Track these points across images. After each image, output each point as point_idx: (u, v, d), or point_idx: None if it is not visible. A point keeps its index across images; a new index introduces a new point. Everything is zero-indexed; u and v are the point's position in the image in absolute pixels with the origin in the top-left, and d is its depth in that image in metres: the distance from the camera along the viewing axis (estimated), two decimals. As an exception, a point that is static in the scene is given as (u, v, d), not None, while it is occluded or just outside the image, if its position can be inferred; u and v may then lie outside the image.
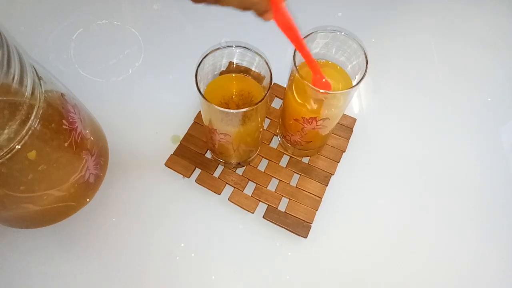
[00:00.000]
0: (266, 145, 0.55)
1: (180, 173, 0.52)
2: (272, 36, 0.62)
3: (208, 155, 0.54)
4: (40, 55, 0.59)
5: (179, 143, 0.54)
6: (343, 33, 0.40)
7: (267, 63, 0.38)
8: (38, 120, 0.35)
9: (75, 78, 0.58)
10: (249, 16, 0.65)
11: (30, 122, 0.34)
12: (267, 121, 0.56)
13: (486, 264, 0.49)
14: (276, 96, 0.58)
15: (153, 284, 0.47)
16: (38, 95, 0.35)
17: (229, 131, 0.42)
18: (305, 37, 0.40)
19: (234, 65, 0.42)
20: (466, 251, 0.50)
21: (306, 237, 0.49)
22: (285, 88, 0.47)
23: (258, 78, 0.43)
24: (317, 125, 0.44)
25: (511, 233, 0.51)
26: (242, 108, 0.38)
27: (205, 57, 0.38)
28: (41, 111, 0.35)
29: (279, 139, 0.55)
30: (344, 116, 0.56)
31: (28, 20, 0.63)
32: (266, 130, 0.55)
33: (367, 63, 0.38)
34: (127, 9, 0.66)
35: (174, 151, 0.53)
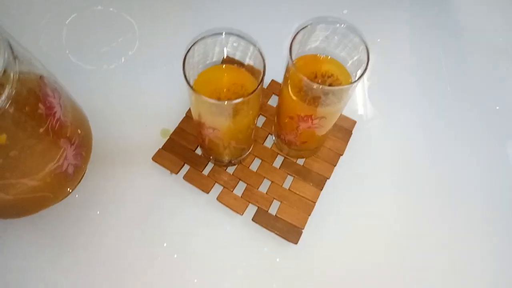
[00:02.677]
0: (260, 144, 0.52)
1: (167, 169, 0.50)
2: (271, 30, 0.60)
3: (199, 151, 0.51)
4: (30, 39, 0.57)
5: (168, 137, 0.51)
6: (344, 26, 0.37)
7: (260, 53, 0.36)
8: (9, 102, 0.32)
9: (65, 64, 0.56)
10: (249, 9, 0.63)
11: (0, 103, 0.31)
12: (262, 119, 0.53)
13: (487, 281, 0.46)
14: (274, 93, 0.56)
15: (132, 284, 0.44)
16: (12, 74, 0.33)
17: (218, 125, 0.39)
18: (303, 28, 0.37)
19: (226, 56, 0.40)
20: (466, 262, 0.47)
21: (296, 243, 0.46)
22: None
23: (253, 71, 0.41)
24: (312, 124, 0.41)
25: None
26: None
27: (194, 44, 0.36)
28: (13, 92, 0.33)
29: (274, 138, 0.52)
30: (344, 117, 0.53)
31: (20, 3, 0.61)
32: (261, 128, 0.53)
33: (368, 59, 0.36)
34: (124, -5, 0.63)
35: (163, 146, 0.51)
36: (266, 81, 0.56)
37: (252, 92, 0.35)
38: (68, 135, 0.40)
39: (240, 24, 0.60)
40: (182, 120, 0.53)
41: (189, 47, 0.35)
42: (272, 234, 0.47)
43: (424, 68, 0.60)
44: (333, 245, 0.47)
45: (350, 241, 0.48)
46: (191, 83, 0.39)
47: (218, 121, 0.39)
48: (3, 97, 0.32)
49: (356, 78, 0.35)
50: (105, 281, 0.44)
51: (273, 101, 0.55)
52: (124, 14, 0.61)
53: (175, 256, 0.46)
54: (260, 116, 0.54)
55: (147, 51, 0.58)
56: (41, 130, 0.36)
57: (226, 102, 0.35)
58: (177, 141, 0.51)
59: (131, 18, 0.60)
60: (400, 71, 0.60)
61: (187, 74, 0.36)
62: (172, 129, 0.52)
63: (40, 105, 0.36)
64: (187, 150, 0.51)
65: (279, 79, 0.56)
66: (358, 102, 0.56)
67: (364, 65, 0.35)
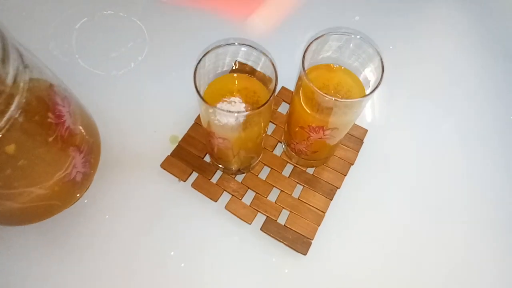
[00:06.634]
0: (269, 152, 0.51)
1: (176, 176, 0.49)
2: (282, 37, 0.60)
3: (207, 158, 0.51)
4: (40, 43, 0.57)
5: (177, 144, 0.51)
6: (358, 36, 0.36)
7: (273, 64, 0.35)
8: (19, 111, 0.32)
9: (74, 69, 0.56)
10: (260, 16, 0.62)
11: (9, 112, 0.31)
12: (272, 127, 0.53)
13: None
14: (284, 101, 0.55)
15: (139, 292, 0.44)
16: (21, 84, 0.32)
17: (228, 135, 0.39)
18: (316, 38, 0.36)
19: (237, 65, 0.39)
20: (481, 274, 0.46)
21: (305, 254, 0.45)
22: (293, 92, 0.43)
23: (264, 79, 0.40)
24: (324, 135, 0.41)
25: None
26: (245, 111, 0.34)
27: (205, 54, 0.35)
28: (23, 101, 0.32)
29: (283, 146, 0.51)
30: (355, 126, 0.53)
31: (30, 6, 0.60)
32: (270, 136, 0.52)
33: (383, 71, 0.35)
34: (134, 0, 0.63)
35: (171, 152, 0.50)
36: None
37: (264, 104, 0.34)
38: (77, 143, 0.40)
39: (251, 32, 0.60)
40: (191, 127, 0.52)
41: (200, 57, 0.35)
42: (281, 244, 0.46)
43: (437, 74, 0.59)
44: (343, 256, 0.47)
45: (360, 253, 0.47)
46: (201, 92, 0.39)
47: (228, 131, 0.38)
48: (13, 107, 0.31)
49: (370, 90, 0.35)
50: (112, 286, 0.44)
51: (283, 108, 0.55)
52: (134, 19, 0.60)
53: (182, 265, 0.45)
54: (270, 123, 0.53)
55: (157, 57, 0.58)
56: (50, 139, 0.36)
57: (236, 113, 0.35)
58: (186, 148, 0.51)
59: (141, 23, 0.60)
60: (412, 78, 0.59)
61: (197, 84, 0.35)
62: (181, 136, 0.52)
63: (50, 114, 0.36)
64: (195, 158, 0.50)
65: (290, 86, 0.55)
66: (370, 110, 0.56)
67: (378, 77, 0.35)
